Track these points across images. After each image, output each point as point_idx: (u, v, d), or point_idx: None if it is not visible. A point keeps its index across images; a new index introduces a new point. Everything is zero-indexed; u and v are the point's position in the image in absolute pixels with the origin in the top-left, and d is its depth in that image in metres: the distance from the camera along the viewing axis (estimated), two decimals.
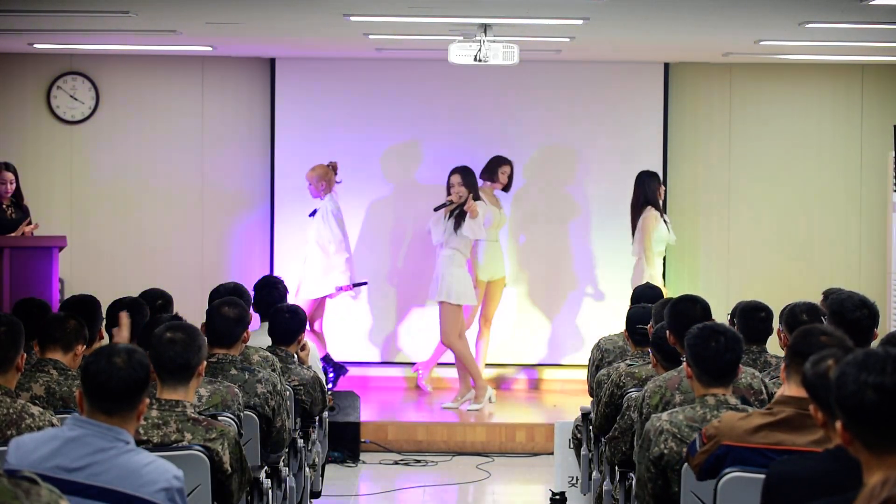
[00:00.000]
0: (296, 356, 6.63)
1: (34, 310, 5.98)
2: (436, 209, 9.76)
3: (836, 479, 3.03)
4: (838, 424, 2.64)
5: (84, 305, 5.93)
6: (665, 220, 9.80)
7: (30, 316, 5.76)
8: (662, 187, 9.99)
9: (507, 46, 8.22)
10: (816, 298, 6.69)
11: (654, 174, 9.94)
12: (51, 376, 5.26)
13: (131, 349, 3.66)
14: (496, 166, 10.18)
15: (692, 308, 5.52)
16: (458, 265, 9.73)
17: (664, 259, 10.65)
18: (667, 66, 10.89)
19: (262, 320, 7.10)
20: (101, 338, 5.89)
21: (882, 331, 5.95)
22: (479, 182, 9.97)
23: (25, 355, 4.69)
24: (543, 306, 10.91)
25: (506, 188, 10.22)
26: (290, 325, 6.61)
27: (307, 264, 10.01)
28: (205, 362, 4.55)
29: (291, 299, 7.95)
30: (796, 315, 5.80)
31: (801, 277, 10.51)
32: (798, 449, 3.88)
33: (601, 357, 6.98)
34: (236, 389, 5.14)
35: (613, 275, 10.73)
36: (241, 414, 5.04)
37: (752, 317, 5.97)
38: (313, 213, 9.99)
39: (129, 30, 9.03)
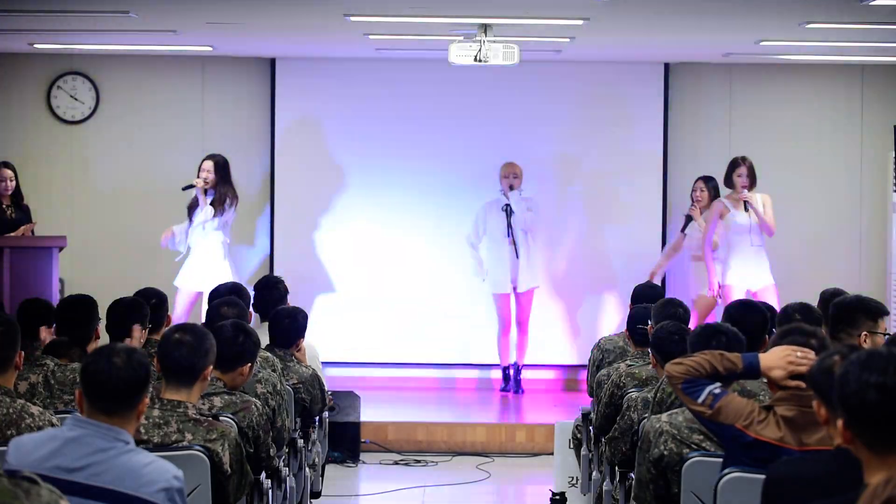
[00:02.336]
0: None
1: (41, 310, 6.00)
2: (184, 189, 9.92)
3: (836, 479, 3.02)
4: (840, 423, 2.64)
5: (80, 305, 5.94)
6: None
7: (34, 316, 5.82)
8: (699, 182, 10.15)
9: (507, 46, 8.21)
10: (815, 299, 6.67)
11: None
12: (47, 366, 5.42)
13: (131, 349, 3.66)
14: (731, 171, 9.87)
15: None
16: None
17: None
18: (667, 66, 10.88)
19: (263, 320, 7.10)
20: (97, 337, 5.88)
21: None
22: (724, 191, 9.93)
23: (23, 354, 4.71)
24: (552, 307, 10.86)
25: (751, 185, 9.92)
26: (289, 329, 6.63)
27: (522, 257, 10.19)
28: (211, 367, 4.53)
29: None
30: (789, 315, 5.75)
31: (801, 277, 10.49)
32: (804, 448, 3.85)
33: (601, 357, 6.99)
34: (255, 406, 4.99)
35: (618, 273, 10.73)
36: (249, 431, 4.92)
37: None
38: (510, 210, 10.15)
39: (129, 30, 9.03)
